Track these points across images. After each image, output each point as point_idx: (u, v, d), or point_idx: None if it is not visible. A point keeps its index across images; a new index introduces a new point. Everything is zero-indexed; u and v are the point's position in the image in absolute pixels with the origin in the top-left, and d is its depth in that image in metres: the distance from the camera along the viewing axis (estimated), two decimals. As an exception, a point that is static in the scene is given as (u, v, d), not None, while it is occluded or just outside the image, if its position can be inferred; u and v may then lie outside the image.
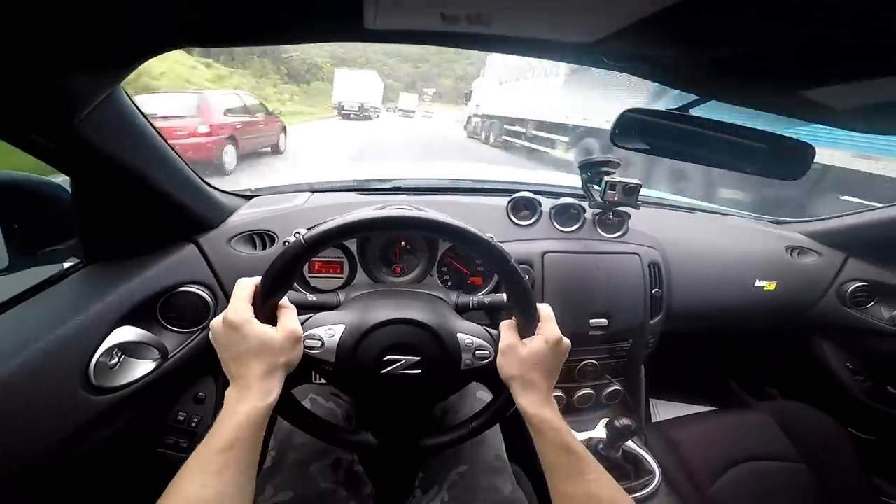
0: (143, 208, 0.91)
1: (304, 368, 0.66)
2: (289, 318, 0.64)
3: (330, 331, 0.67)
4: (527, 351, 0.66)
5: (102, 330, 0.82)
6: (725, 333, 1.62)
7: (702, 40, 0.51)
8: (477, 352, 0.70)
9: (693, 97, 0.75)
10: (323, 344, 0.66)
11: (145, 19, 0.50)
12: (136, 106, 0.78)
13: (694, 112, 0.78)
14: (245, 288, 0.63)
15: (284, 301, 0.65)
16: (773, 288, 1.43)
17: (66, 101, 0.62)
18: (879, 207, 1.46)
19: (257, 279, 0.63)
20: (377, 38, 0.58)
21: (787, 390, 1.75)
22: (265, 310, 0.62)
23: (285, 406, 0.64)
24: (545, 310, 0.70)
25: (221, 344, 0.60)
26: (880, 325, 1.44)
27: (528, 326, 0.68)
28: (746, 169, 0.89)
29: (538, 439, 0.63)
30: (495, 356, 0.69)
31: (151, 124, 0.83)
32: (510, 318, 0.71)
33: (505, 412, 0.72)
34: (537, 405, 0.64)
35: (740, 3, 0.42)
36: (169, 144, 0.88)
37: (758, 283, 1.42)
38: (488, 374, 0.70)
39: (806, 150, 0.84)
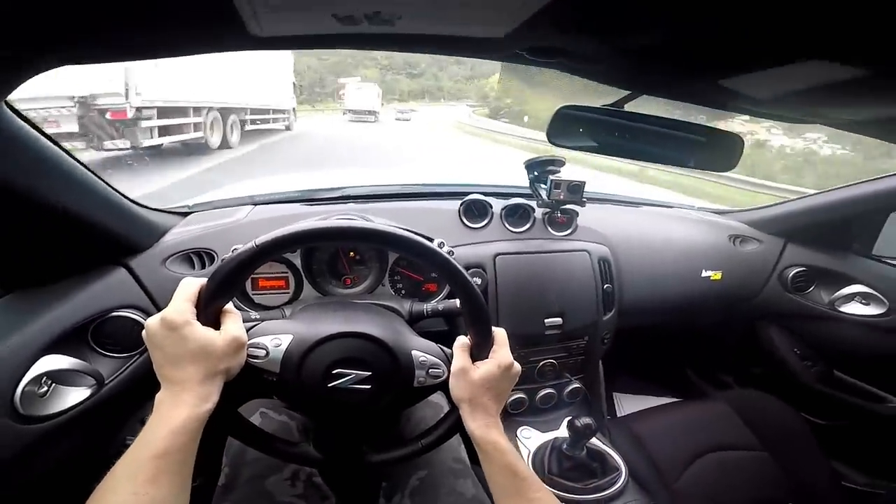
0: (57, 234, 0.85)
1: (246, 378, 0.63)
2: (233, 322, 0.61)
3: (276, 340, 0.64)
4: (479, 374, 0.66)
5: (25, 359, 0.77)
6: (678, 325, 1.66)
7: (605, 29, 0.51)
8: (431, 370, 0.69)
9: (625, 92, 0.76)
10: (268, 353, 0.63)
11: (17, 38, 0.46)
12: (30, 124, 0.71)
13: (628, 108, 0.79)
14: (189, 288, 0.60)
15: (230, 306, 0.62)
16: (720, 277, 1.48)
17: None
18: (816, 193, 1.52)
19: (203, 280, 0.60)
20: (272, 44, 0.56)
21: (741, 378, 1.81)
22: (208, 313, 0.59)
23: (223, 417, 0.61)
24: (500, 334, 0.71)
25: (156, 344, 0.56)
26: (820, 309, 1.49)
27: (482, 349, 0.69)
28: (687, 163, 0.91)
29: (485, 461, 0.64)
30: (449, 375, 0.69)
31: (56, 143, 0.77)
32: (465, 335, 0.71)
33: (455, 431, 0.72)
34: (485, 428, 0.65)
35: None
36: (81, 163, 0.82)
37: (704, 273, 1.46)
38: (444, 391, 0.70)
39: (735, 141, 0.86)
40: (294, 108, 15.20)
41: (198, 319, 0.57)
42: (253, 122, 11.58)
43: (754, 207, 1.72)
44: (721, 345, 1.84)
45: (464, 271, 0.67)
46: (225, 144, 9.54)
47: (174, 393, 0.55)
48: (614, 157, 0.96)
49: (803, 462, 1.26)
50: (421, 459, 0.84)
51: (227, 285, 0.60)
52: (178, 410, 0.53)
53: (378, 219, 1.01)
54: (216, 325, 0.60)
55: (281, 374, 0.64)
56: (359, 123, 22.22)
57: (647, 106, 0.81)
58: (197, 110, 8.35)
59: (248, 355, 0.62)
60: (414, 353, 0.69)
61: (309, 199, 1.30)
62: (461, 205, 1.26)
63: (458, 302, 0.83)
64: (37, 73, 0.56)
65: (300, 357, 0.64)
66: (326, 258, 1.07)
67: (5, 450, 0.73)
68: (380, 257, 1.08)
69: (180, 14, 0.46)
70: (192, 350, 0.55)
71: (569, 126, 0.83)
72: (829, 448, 1.31)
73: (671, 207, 1.72)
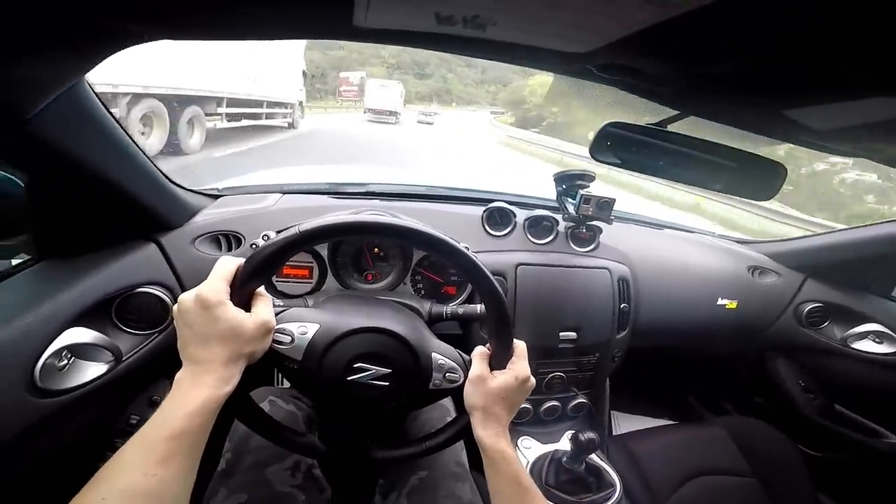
0: (101, 205, 0.86)
1: (267, 363, 0.63)
2: (264, 306, 0.61)
3: (303, 328, 0.65)
4: (496, 384, 0.67)
5: (52, 330, 0.77)
6: (687, 349, 1.66)
7: (690, 56, 0.52)
8: (448, 374, 0.70)
9: (672, 112, 0.76)
10: (293, 340, 0.64)
11: (117, 9, 0.47)
12: (99, 100, 0.73)
13: (671, 128, 0.79)
14: (226, 267, 0.59)
15: (262, 290, 0.63)
16: (735, 307, 1.47)
17: (19, 94, 0.58)
18: (838, 230, 1.52)
19: (240, 260, 0.60)
20: (366, 36, 0.56)
21: (741, 406, 1.80)
22: (242, 294, 0.59)
23: (234, 401, 0.61)
24: (520, 346, 0.71)
25: (186, 321, 0.56)
26: (833, 345, 1.49)
27: (501, 359, 0.69)
28: (716, 186, 0.90)
29: (491, 470, 0.65)
30: (465, 381, 0.69)
31: (115, 118, 0.78)
32: (485, 344, 0.72)
33: (460, 437, 0.73)
34: (495, 437, 0.65)
35: (728, 22, 0.42)
36: (133, 140, 0.84)
37: (720, 301, 1.46)
38: (455, 395, 0.71)
39: (777, 170, 0.85)
40: (302, 102, 12.58)
41: (231, 300, 0.57)
42: (233, 117, 8.72)
43: (776, 240, 1.72)
44: (727, 372, 1.83)
45: (492, 277, 0.67)
46: (177, 149, 6.92)
47: (196, 373, 0.54)
48: (645, 178, 0.96)
49: (791, 492, 1.27)
50: (423, 460, 0.85)
51: (266, 267, 0.60)
52: (198, 391, 0.53)
53: (407, 218, 1.02)
54: (247, 307, 0.59)
55: (303, 362, 0.64)
56: (378, 124, 21.16)
57: (685, 127, 0.80)
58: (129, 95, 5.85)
59: (274, 341, 0.63)
60: (434, 355, 0.70)
61: (336, 192, 1.31)
62: (484, 211, 1.27)
63: (478, 308, 0.83)
64: (134, 45, 0.56)
65: (324, 347, 0.64)
66: (352, 252, 1.08)
67: (20, 424, 0.73)
68: (403, 256, 1.09)
69: None
70: (222, 331, 0.55)
71: (612, 142, 0.83)
72: (819, 481, 1.33)
73: (692, 232, 1.72)
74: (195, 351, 0.55)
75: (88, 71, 0.63)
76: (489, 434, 0.65)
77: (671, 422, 1.82)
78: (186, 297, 0.56)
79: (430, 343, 0.71)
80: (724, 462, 1.28)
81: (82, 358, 0.83)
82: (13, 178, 0.79)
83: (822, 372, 1.55)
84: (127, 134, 0.82)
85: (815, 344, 1.52)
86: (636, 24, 0.43)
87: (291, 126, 12.23)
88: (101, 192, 0.81)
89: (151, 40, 0.56)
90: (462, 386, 0.69)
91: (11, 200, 0.80)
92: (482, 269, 0.66)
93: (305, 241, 0.61)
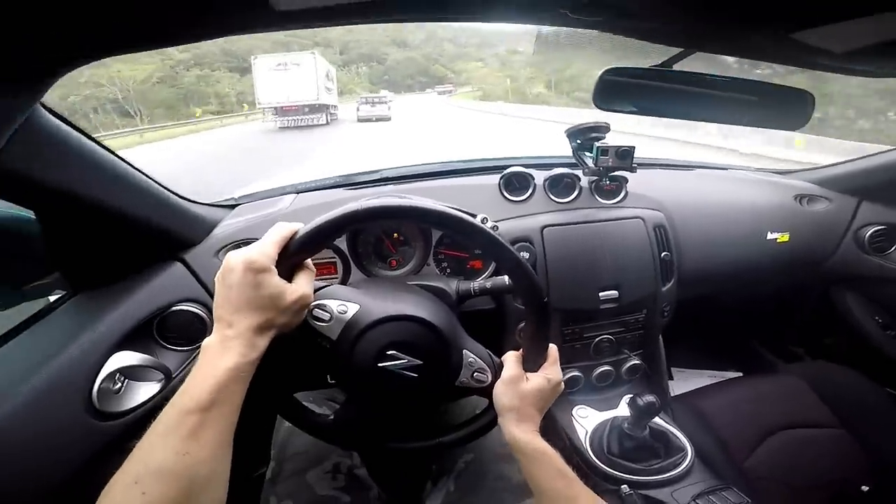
0: (113, 234, 0.88)
1: (301, 338, 0.64)
2: (306, 279, 0.60)
3: (343, 306, 0.65)
4: (529, 386, 0.68)
5: (99, 356, 0.80)
6: (743, 293, 1.57)
7: None
8: (476, 373, 0.70)
9: (675, 50, 0.71)
10: (331, 318, 0.64)
11: (52, 31, 0.45)
12: (69, 124, 0.72)
13: (678, 67, 0.75)
14: (280, 231, 0.59)
15: (308, 262, 0.62)
16: (787, 239, 1.37)
17: None
18: (889, 150, 1.39)
19: (296, 226, 0.60)
20: (293, 20, 0.51)
21: (814, 349, 1.69)
22: (288, 262, 0.59)
23: (282, 403, 0.64)
24: (553, 350, 0.72)
25: (229, 281, 0.54)
26: None
27: (535, 362, 0.71)
28: (742, 121, 0.87)
29: (532, 466, 0.64)
30: (492, 382, 0.70)
31: (98, 143, 0.77)
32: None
33: (476, 437, 0.74)
34: (531, 435, 0.65)
35: None
36: (126, 161, 0.83)
37: (770, 236, 1.36)
38: (480, 394, 0.71)
39: (804, 97, 0.81)
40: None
41: (276, 266, 0.56)
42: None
43: (819, 167, 1.59)
44: (790, 313, 1.71)
45: (510, 247, 0.66)
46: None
47: (224, 338, 0.52)
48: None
49: (885, 441, 1.16)
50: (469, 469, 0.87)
51: (319, 239, 0.60)
52: (226, 358, 0.51)
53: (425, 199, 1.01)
54: (289, 278, 0.58)
55: (337, 342, 0.64)
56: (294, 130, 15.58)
57: (696, 64, 0.76)
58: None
59: (313, 316, 0.63)
60: (465, 352, 0.70)
61: (349, 183, 1.30)
62: (501, 178, 1.22)
63: (506, 278, 0.81)
64: (70, 71, 0.54)
65: (361, 330, 0.64)
66: (372, 241, 1.07)
67: (87, 448, 0.76)
68: (424, 237, 1.07)
69: None
70: (262, 297, 0.54)
71: (615, 90, 0.81)
72: None
73: (727, 170, 1.61)
74: (228, 314, 0.54)
75: (38, 98, 0.60)
76: (525, 432, 0.65)
77: (738, 374, 1.72)
78: (234, 257, 0.55)
79: (463, 340, 0.72)
80: (807, 413, 1.19)
81: (135, 379, 0.86)
82: (31, 217, 0.82)
83: None
84: (115, 155, 0.82)
85: (885, 272, 1.39)
86: None
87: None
88: (107, 220, 0.82)
89: (83, 64, 0.53)
90: (488, 388, 0.70)
91: (34, 240, 0.84)
92: (499, 240, 0.64)
93: (365, 218, 0.60)
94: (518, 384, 0.67)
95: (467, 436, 0.74)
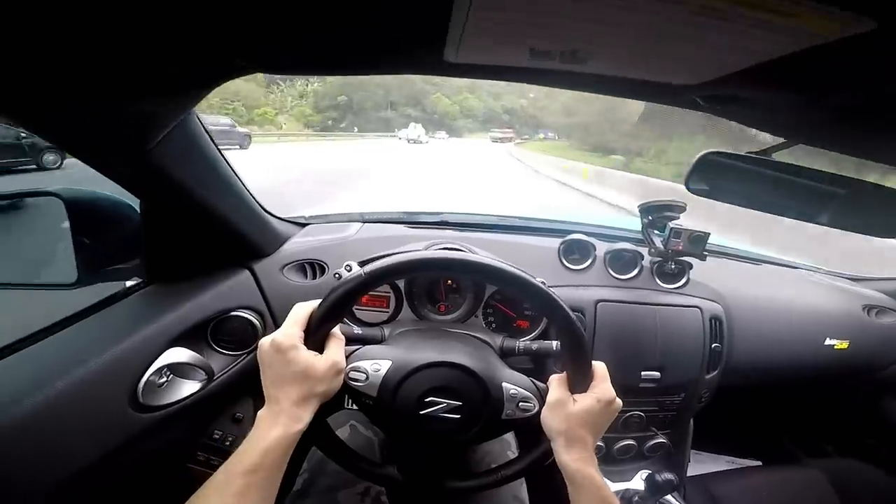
0: (205, 234, 0.93)
1: (344, 398, 0.67)
2: (335, 348, 0.64)
3: (376, 365, 0.67)
4: (577, 407, 0.65)
5: (156, 349, 0.84)
6: (785, 388, 1.50)
7: (813, 88, 0.47)
8: (521, 403, 0.69)
9: (779, 140, 0.70)
10: (367, 378, 0.67)
11: (218, 45, 0.50)
12: (207, 133, 0.80)
13: (777, 157, 0.73)
14: (299, 313, 0.64)
15: (336, 331, 0.66)
16: (846, 347, 1.31)
17: (141, 128, 0.64)
18: None
19: (313, 305, 0.64)
20: (458, 72, 0.57)
21: (844, 448, 1.59)
22: (316, 337, 0.63)
23: (314, 430, 0.64)
24: (600, 368, 0.69)
25: (265, 363, 0.61)
26: None
27: (580, 382, 0.67)
28: (848, 225, 0.82)
29: (578, 494, 0.62)
30: (539, 409, 0.68)
31: (220, 151, 0.85)
32: (560, 371, 0.69)
33: (538, 466, 0.71)
34: (581, 462, 0.63)
35: (862, 52, 0.38)
36: (235, 172, 0.90)
37: (828, 342, 1.30)
38: (527, 426, 0.69)
39: None
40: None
41: (305, 343, 0.61)
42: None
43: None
44: (830, 412, 1.64)
45: (569, 311, 0.66)
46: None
47: (274, 412, 0.58)
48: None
49: None
50: (481, 495, 0.84)
51: (335, 312, 0.64)
52: (274, 430, 0.57)
53: (481, 251, 1.01)
54: (321, 349, 0.63)
55: (378, 397, 0.66)
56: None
57: (788, 157, 0.73)
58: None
59: (350, 378, 0.66)
60: (504, 385, 0.69)
61: (412, 221, 1.33)
62: (562, 243, 1.22)
63: (553, 344, 0.80)
64: (231, 79, 0.61)
65: (397, 383, 0.66)
66: (426, 284, 1.08)
67: (122, 437, 0.79)
68: (476, 289, 1.07)
69: (386, 34, 0.47)
70: (294, 372, 0.59)
71: (711, 173, 0.78)
72: None
73: (796, 268, 1.56)
74: (273, 391, 0.60)
75: (196, 104, 0.68)
76: (574, 458, 0.63)
77: (757, 462, 1.65)
78: (265, 343, 0.61)
79: (500, 373, 0.71)
80: None
81: (179, 376, 0.89)
82: (132, 204, 0.88)
83: None
84: (229, 165, 0.89)
85: None
86: (764, 56, 0.40)
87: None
88: (206, 219, 0.88)
89: (250, 73, 0.60)
90: (537, 415, 0.68)
91: (129, 226, 0.89)
92: (558, 301, 0.65)
93: (369, 283, 0.63)
94: (564, 407, 0.65)
95: (527, 466, 0.71)
